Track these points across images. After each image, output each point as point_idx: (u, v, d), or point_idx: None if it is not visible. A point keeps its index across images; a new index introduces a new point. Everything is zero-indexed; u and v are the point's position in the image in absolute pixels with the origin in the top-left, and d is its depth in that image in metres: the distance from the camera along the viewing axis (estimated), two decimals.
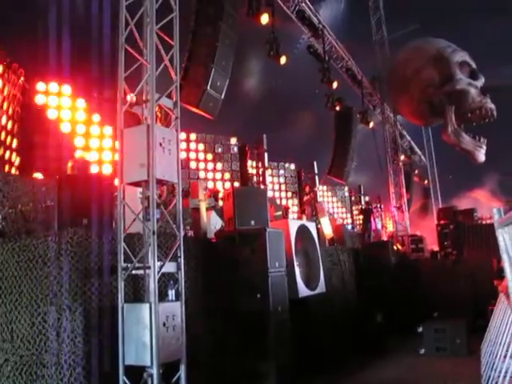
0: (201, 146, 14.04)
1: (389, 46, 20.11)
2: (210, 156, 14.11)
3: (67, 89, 10.00)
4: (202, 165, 13.94)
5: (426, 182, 27.47)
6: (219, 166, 14.28)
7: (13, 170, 8.55)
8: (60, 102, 9.89)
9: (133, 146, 4.65)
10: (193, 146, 13.87)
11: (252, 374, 5.60)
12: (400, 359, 8.43)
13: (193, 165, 13.69)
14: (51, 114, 9.74)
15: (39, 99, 9.61)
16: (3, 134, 8.24)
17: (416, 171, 25.13)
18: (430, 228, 18.61)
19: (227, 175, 14.40)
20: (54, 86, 9.85)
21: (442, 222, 15.02)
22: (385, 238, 17.81)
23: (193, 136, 13.88)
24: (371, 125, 18.10)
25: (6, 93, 8.30)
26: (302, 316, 6.82)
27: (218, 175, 14.24)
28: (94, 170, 9.78)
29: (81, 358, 4.27)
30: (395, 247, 13.63)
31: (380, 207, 22.17)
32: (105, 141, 10.44)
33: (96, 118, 10.38)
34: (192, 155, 13.77)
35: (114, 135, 10.24)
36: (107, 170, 10.24)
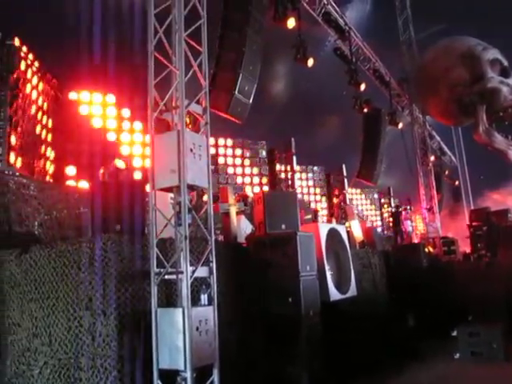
0: (229, 151, 14.12)
1: (416, 46, 19.89)
2: (238, 161, 14.17)
3: (98, 97, 10.20)
4: (230, 169, 14.01)
5: (456, 182, 27.02)
6: (248, 170, 14.32)
7: (47, 178, 8.74)
8: (91, 110, 10.10)
9: (164, 151, 4.70)
10: (221, 151, 13.95)
11: (283, 379, 5.59)
12: (434, 364, 8.28)
13: (222, 170, 13.77)
14: (85, 123, 9.95)
15: (72, 108, 9.82)
16: (38, 142, 8.44)
17: (446, 172, 24.75)
18: (461, 230, 18.30)
19: (256, 179, 14.44)
20: (85, 95, 10.05)
21: (474, 223, 14.73)
22: (416, 241, 17.58)
23: (221, 141, 13.96)
24: (400, 126, 17.92)
25: (40, 103, 8.50)
26: (333, 320, 6.77)
27: (247, 179, 14.28)
28: (125, 176, 9.90)
29: (116, 361, 4.33)
30: (427, 249, 13.44)
31: (410, 209, 21.94)
32: (135, 148, 10.60)
33: (126, 125, 10.54)
34: (221, 160, 13.85)
35: (144, 142, 10.38)
36: (138, 176, 10.37)
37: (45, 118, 8.80)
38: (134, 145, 10.63)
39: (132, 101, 10.60)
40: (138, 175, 10.37)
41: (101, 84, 10.06)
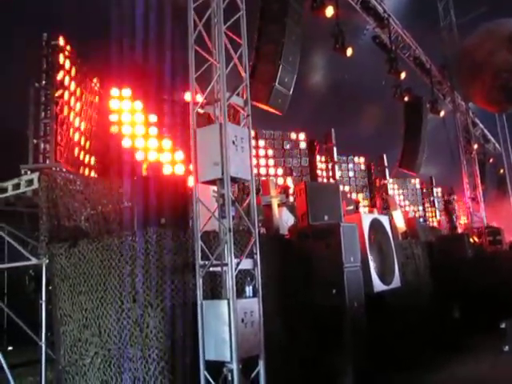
0: (269, 143, 14.12)
1: (458, 32, 19.35)
2: (278, 153, 14.16)
3: (138, 93, 10.33)
4: (271, 161, 14.02)
5: (501, 170, 26.26)
6: (288, 162, 14.30)
7: (90, 172, 8.93)
8: (133, 106, 10.24)
9: (206, 145, 4.74)
10: (261, 143, 13.98)
11: (329, 370, 5.58)
12: (481, 356, 8.09)
13: (262, 162, 13.80)
14: (125, 119, 10.11)
15: (113, 104, 10.00)
16: (83, 138, 8.62)
17: (491, 160, 24.08)
18: (507, 219, 17.81)
19: (297, 171, 14.40)
20: (127, 91, 10.20)
21: None
22: (459, 230, 17.22)
23: (261, 133, 13.98)
24: (442, 114, 17.51)
25: (83, 99, 8.68)
26: (377, 311, 6.71)
27: (288, 171, 14.26)
28: (167, 170, 10.04)
29: (164, 352, 4.41)
30: (471, 240, 13.14)
31: (453, 199, 21.46)
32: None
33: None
34: (261, 152, 13.88)
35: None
36: (180, 169, 10.47)
37: (89, 114, 8.98)
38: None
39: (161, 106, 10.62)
40: (180, 169, 10.51)
41: (138, 81, 10.15)
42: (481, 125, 23.86)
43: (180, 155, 10.55)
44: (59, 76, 7.49)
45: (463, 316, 9.19)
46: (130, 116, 10.20)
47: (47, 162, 7.06)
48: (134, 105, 10.25)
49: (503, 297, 10.27)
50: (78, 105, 8.38)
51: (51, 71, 7.35)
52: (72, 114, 7.98)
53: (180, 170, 10.42)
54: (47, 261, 5.28)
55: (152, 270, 4.55)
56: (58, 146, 7.20)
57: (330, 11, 10.46)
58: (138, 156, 9.92)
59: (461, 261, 10.48)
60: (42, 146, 7.12)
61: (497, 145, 26.76)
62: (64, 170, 6.94)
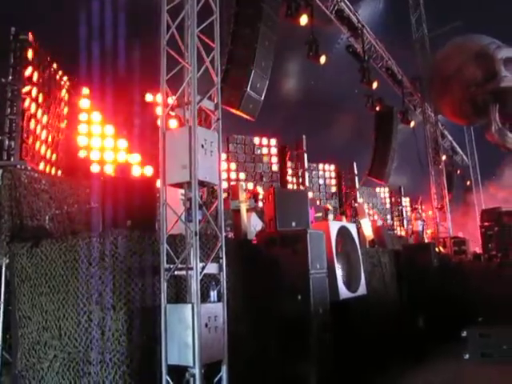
0: (240, 148, 14.11)
1: (429, 45, 19.74)
2: (249, 157, 14.17)
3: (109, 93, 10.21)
4: (241, 166, 14.01)
5: (468, 182, 26.84)
6: (259, 167, 14.31)
7: (59, 173, 8.77)
8: (102, 105, 10.11)
9: (175, 147, 4.70)
10: (232, 147, 13.96)
11: (293, 376, 5.58)
12: (443, 364, 8.22)
13: (233, 166, 13.78)
14: (95, 118, 9.97)
15: (83, 102, 9.86)
16: (50, 137, 8.46)
17: (458, 172, 24.59)
18: (472, 230, 18.18)
19: (267, 177, 14.42)
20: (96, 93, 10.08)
21: (485, 223, 14.60)
22: (426, 240, 17.48)
23: (232, 137, 13.96)
24: (412, 125, 17.81)
25: (52, 97, 8.53)
26: (342, 318, 6.76)
27: (258, 177, 14.27)
28: (135, 172, 9.93)
29: (125, 356, 4.34)
30: (437, 249, 13.36)
31: (421, 208, 21.83)
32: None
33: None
34: (232, 157, 13.86)
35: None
36: (149, 171, 10.37)
37: (57, 111, 8.82)
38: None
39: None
40: (149, 171, 10.41)
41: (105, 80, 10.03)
42: (450, 137, 24.37)
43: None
44: (27, 72, 7.34)
45: (427, 324, 9.32)
46: (99, 116, 10.08)
47: (12, 159, 6.90)
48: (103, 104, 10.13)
49: (466, 305, 10.47)
50: (46, 102, 8.22)
51: (19, 66, 7.19)
52: (40, 111, 7.82)
53: (149, 171, 10.33)
54: (7, 260, 5.14)
55: (116, 272, 4.47)
56: (23, 144, 7.05)
57: (304, 19, 10.54)
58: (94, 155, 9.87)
59: (426, 269, 10.63)
60: (7, 142, 6.95)
61: (465, 157, 27.37)
62: (29, 168, 6.78)
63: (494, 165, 24.78)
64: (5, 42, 7.25)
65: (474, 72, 17.94)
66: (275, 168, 14.78)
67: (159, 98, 9.60)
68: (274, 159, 14.90)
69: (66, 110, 9.31)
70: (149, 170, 10.29)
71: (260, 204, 8.25)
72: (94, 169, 9.52)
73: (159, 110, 9.97)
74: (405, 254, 11.00)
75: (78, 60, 9.44)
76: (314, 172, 17.33)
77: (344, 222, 8.49)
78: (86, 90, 9.97)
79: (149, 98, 10.34)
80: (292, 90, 18.53)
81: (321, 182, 17.60)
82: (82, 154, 9.62)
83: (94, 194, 6.48)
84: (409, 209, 23.33)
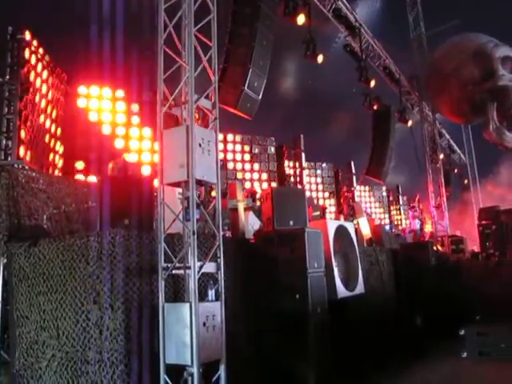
0: (238, 147, 14.11)
1: (427, 43, 19.77)
2: (247, 156, 14.18)
3: (107, 92, 10.22)
4: (239, 165, 14.02)
5: (466, 181, 26.87)
6: (256, 166, 14.32)
7: (56, 172, 8.77)
8: (100, 104, 10.12)
9: (172, 146, 4.70)
10: (230, 146, 13.96)
11: (291, 375, 5.58)
12: (441, 362, 8.24)
13: (230, 165, 13.78)
14: (92, 117, 9.97)
15: (81, 102, 9.85)
16: (47, 136, 8.46)
17: (456, 170, 24.62)
18: (470, 228, 18.20)
19: (264, 176, 14.43)
20: (94, 90, 10.08)
21: (483, 222, 14.61)
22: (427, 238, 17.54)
23: (230, 137, 13.97)
24: (410, 123, 17.83)
25: (50, 97, 8.52)
26: (340, 317, 6.76)
27: (256, 176, 14.28)
28: (137, 171, 9.94)
29: (123, 356, 4.34)
30: (435, 248, 13.37)
31: (418, 207, 21.86)
32: (144, 142, 10.60)
33: (135, 119, 10.55)
34: (229, 156, 13.86)
35: (153, 137, 10.38)
36: (146, 171, 10.39)
37: (54, 112, 8.81)
38: (143, 139, 10.62)
39: (141, 96, 10.60)
40: (146, 170, 10.43)
41: (110, 78, 10.07)
42: (447, 135, 24.39)
43: (147, 156, 10.48)
44: (24, 71, 7.32)
45: (425, 323, 9.32)
46: (97, 115, 10.09)
47: (9, 158, 6.89)
48: (101, 103, 10.14)
49: (464, 304, 10.48)
50: (44, 102, 8.21)
51: (16, 66, 7.17)
52: (37, 111, 7.81)
53: (147, 171, 10.35)
54: (5, 260, 5.13)
55: (114, 271, 4.47)
56: (21, 143, 7.04)
57: (301, 18, 10.55)
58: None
59: (424, 268, 10.64)
60: (4, 142, 6.94)
61: (462, 156, 27.39)
62: (26, 167, 6.78)
63: (492, 163, 24.87)
64: (2, 41, 7.24)
65: (472, 71, 17.94)
66: (273, 167, 14.77)
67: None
68: (272, 158, 14.89)
69: (63, 109, 9.28)
70: (147, 169, 10.34)
71: (258, 203, 8.24)
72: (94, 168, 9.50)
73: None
74: (402, 252, 11.00)
75: (76, 59, 9.44)
76: (311, 171, 17.34)
77: (342, 221, 8.50)
78: (83, 90, 9.96)
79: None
80: (290, 89, 18.54)
81: (318, 180, 17.60)
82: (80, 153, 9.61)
83: (91, 194, 6.48)
84: (406, 207, 23.36)
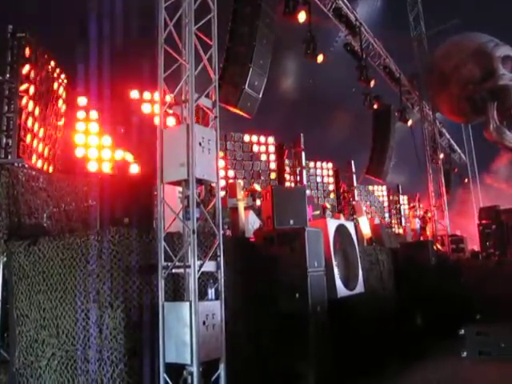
0: (238, 146, 14.11)
1: (427, 43, 19.75)
2: (247, 155, 14.17)
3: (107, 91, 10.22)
4: (239, 164, 14.01)
5: (466, 180, 26.86)
6: (256, 165, 14.31)
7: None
8: (100, 103, 10.11)
9: (173, 145, 4.69)
10: (230, 145, 13.97)
11: (291, 375, 5.58)
12: (441, 362, 8.23)
13: (230, 164, 13.78)
14: (93, 115, 9.98)
15: (81, 101, 9.86)
16: (47, 134, 8.44)
17: (456, 170, 24.61)
18: (470, 228, 18.19)
19: (264, 175, 14.43)
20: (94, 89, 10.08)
21: (483, 221, 14.59)
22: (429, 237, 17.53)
23: (230, 135, 13.96)
24: (410, 123, 17.82)
25: (50, 94, 8.51)
26: (340, 316, 6.75)
27: (256, 175, 14.28)
28: (133, 170, 9.94)
29: (123, 354, 4.33)
30: (435, 247, 13.37)
31: (419, 206, 21.85)
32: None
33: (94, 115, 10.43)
34: (230, 154, 13.87)
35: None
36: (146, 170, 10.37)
37: (55, 109, 8.80)
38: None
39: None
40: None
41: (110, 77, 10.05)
42: (447, 135, 24.38)
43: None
44: (24, 69, 7.31)
45: (425, 322, 9.32)
46: (97, 114, 10.08)
47: (9, 157, 6.88)
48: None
49: (464, 304, 10.48)
50: (44, 100, 8.20)
51: (16, 64, 7.17)
52: (37, 109, 7.80)
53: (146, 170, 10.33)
54: (5, 259, 5.13)
55: (113, 270, 4.48)
56: (21, 142, 7.03)
57: (302, 17, 10.55)
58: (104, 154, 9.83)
59: (424, 267, 10.63)
60: (4, 140, 6.93)
61: (462, 155, 27.37)
62: (27, 166, 6.77)
63: (492, 163, 24.86)
64: (2, 39, 7.23)
65: (472, 70, 17.93)
66: (273, 166, 14.78)
67: (156, 95, 9.65)
68: (272, 157, 14.90)
69: (63, 107, 9.27)
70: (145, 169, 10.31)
71: (258, 202, 8.25)
72: (92, 167, 9.52)
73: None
74: (402, 252, 11.00)
75: (76, 58, 9.43)
76: (311, 170, 17.34)
77: (342, 220, 8.50)
78: (83, 88, 9.95)
79: (147, 96, 10.31)
80: (290, 88, 18.53)
81: (318, 180, 17.60)
82: (79, 152, 9.61)
83: (91, 192, 6.48)
84: (407, 207, 23.36)
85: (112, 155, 9.78)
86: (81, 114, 9.94)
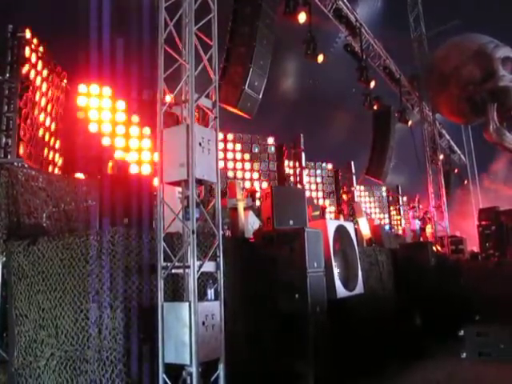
0: (238, 146, 14.12)
1: (427, 43, 19.76)
2: (247, 156, 14.18)
3: (107, 90, 10.22)
4: (239, 165, 14.02)
5: (465, 181, 26.87)
6: (256, 165, 14.32)
7: (56, 170, 8.76)
8: (101, 103, 10.12)
9: (172, 145, 4.69)
10: (230, 145, 13.96)
11: (290, 375, 5.57)
12: (441, 363, 8.23)
13: (230, 165, 13.78)
14: (92, 116, 9.98)
15: (81, 101, 9.85)
16: (47, 135, 8.45)
17: (456, 171, 24.61)
18: (470, 229, 18.18)
19: (264, 175, 14.43)
20: (94, 88, 10.08)
21: (483, 222, 14.58)
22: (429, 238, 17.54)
23: (230, 136, 13.97)
24: (410, 124, 17.82)
25: (49, 95, 8.51)
26: (340, 317, 6.75)
27: (255, 175, 14.28)
28: (133, 170, 9.95)
29: (122, 354, 4.33)
30: (434, 248, 13.36)
31: (418, 207, 21.85)
32: (144, 141, 10.60)
33: (135, 118, 10.56)
34: (229, 155, 13.86)
35: (152, 135, 10.38)
36: (146, 170, 10.38)
37: (54, 110, 8.80)
38: (143, 138, 10.61)
39: (141, 94, 10.60)
40: (146, 169, 10.42)
41: (110, 77, 10.07)
42: (447, 136, 24.39)
43: (147, 155, 10.46)
44: (24, 69, 7.32)
45: (425, 323, 9.31)
46: (97, 114, 10.09)
47: (9, 157, 6.88)
48: (101, 103, 10.15)
49: (463, 304, 10.47)
50: (44, 100, 8.21)
51: (16, 64, 7.17)
52: (37, 109, 7.80)
53: (146, 169, 10.34)
54: (4, 259, 5.13)
55: (113, 270, 4.47)
56: (20, 141, 7.03)
57: (302, 17, 10.55)
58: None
59: (424, 268, 10.62)
60: (4, 140, 6.94)
61: (462, 156, 27.38)
62: (26, 165, 6.77)
63: (492, 164, 24.86)
64: (2, 39, 7.23)
65: (472, 71, 17.93)
66: (273, 167, 14.78)
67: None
68: (272, 158, 14.90)
69: (63, 107, 9.28)
70: (146, 168, 10.33)
71: (257, 202, 8.25)
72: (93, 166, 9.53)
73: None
74: (402, 252, 10.99)
75: (76, 57, 9.43)
76: (311, 171, 17.34)
77: (342, 221, 8.49)
78: (83, 88, 9.96)
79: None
80: (290, 89, 18.54)
81: (318, 180, 17.61)
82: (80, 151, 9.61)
83: (91, 192, 6.47)
84: (406, 207, 23.36)
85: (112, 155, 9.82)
86: (81, 114, 9.92)
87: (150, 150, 10.56)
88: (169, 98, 4.98)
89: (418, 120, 19.82)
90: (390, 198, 22.58)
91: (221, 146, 13.31)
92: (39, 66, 7.97)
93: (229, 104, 8.26)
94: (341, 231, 7.28)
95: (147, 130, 10.61)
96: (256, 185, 13.95)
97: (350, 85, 15.36)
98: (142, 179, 6.90)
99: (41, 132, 8.08)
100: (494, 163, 24.71)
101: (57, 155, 8.87)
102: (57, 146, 8.91)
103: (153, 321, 4.50)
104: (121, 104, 10.39)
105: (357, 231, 9.86)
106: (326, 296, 6.19)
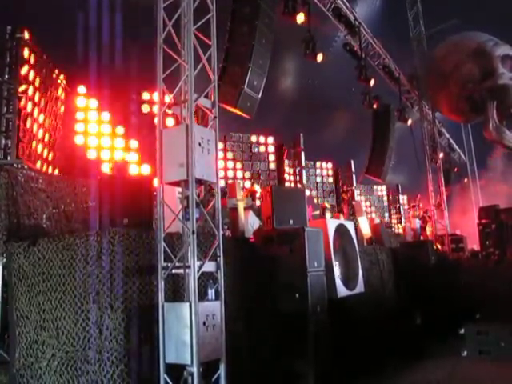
0: (237, 146, 14.11)
1: (427, 42, 19.75)
2: (247, 156, 14.17)
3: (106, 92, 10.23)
4: (239, 164, 14.02)
5: (465, 180, 26.87)
6: (256, 165, 14.31)
7: (56, 172, 8.76)
8: (99, 104, 10.12)
9: (172, 146, 4.68)
10: (230, 146, 13.97)
11: (291, 375, 5.57)
12: (441, 361, 8.23)
13: (230, 165, 13.78)
14: (92, 117, 9.98)
15: (80, 101, 9.86)
16: (47, 135, 8.44)
17: (455, 169, 24.60)
18: (470, 227, 18.18)
19: (264, 175, 14.43)
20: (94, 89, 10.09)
21: (483, 221, 14.55)
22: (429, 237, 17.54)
23: (230, 136, 13.97)
24: (409, 122, 17.82)
25: (48, 95, 8.51)
26: (340, 316, 6.75)
27: (255, 175, 14.28)
28: (133, 170, 9.94)
29: (123, 355, 4.33)
30: (435, 247, 13.37)
31: (419, 206, 21.85)
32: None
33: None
34: (229, 155, 13.87)
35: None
36: (146, 170, 10.37)
37: (54, 110, 8.80)
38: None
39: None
40: (146, 169, 10.41)
41: (108, 78, 10.06)
42: (447, 134, 24.39)
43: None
44: (23, 70, 7.31)
45: (425, 321, 9.31)
46: (96, 115, 10.09)
47: (8, 158, 6.88)
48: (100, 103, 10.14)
49: (464, 303, 10.47)
50: (43, 101, 8.20)
51: (15, 65, 7.16)
52: (36, 110, 7.80)
53: (146, 170, 10.33)
54: (4, 260, 5.13)
55: (113, 270, 4.47)
56: (20, 142, 7.03)
57: (301, 17, 10.55)
58: (104, 155, 9.83)
59: (424, 267, 10.62)
60: (4, 141, 6.94)
61: (462, 154, 27.37)
62: (26, 166, 6.77)
63: (490, 162, 24.86)
64: (1, 40, 7.23)
65: (472, 69, 17.91)
66: (272, 166, 14.78)
67: (156, 96, 9.62)
68: (272, 157, 14.91)
69: (62, 108, 9.27)
70: (146, 169, 10.30)
71: (257, 202, 8.24)
72: (91, 167, 9.53)
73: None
74: (402, 251, 11.00)
75: (75, 58, 9.43)
76: (311, 170, 17.34)
77: (342, 220, 8.49)
78: (82, 89, 9.96)
79: (145, 96, 10.32)
80: (289, 88, 18.53)
81: (318, 180, 17.61)
82: (78, 152, 9.61)
83: (91, 193, 6.47)
84: (406, 206, 23.36)
85: (112, 156, 9.81)
86: (80, 115, 9.93)
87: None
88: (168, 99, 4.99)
89: (418, 119, 19.80)
90: (390, 197, 22.58)
91: (221, 145, 13.31)
92: (38, 67, 7.96)
93: (228, 104, 8.26)
94: (341, 230, 7.28)
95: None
96: (256, 185, 13.95)
97: (350, 84, 15.37)
98: (142, 180, 6.90)
99: (40, 133, 8.08)
100: (492, 161, 24.70)
101: (53, 155, 8.85)
102: (56, 147, 8.90)
103: (153, 321, 4.50)
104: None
105: (357, 230, 9.86)
106: (326, 295, 6.19)
